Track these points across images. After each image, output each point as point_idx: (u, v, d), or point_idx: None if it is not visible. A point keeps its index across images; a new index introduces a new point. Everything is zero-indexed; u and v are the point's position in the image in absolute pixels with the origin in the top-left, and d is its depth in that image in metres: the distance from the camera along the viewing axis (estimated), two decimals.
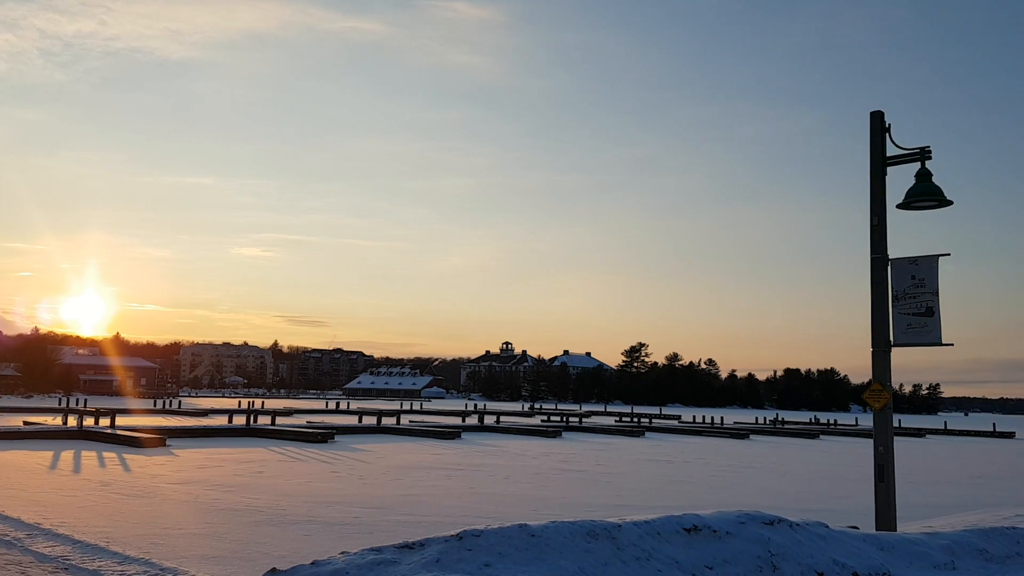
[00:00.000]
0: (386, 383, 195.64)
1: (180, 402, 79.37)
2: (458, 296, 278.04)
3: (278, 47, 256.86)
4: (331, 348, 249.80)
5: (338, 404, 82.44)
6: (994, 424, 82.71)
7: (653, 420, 70.39)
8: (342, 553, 6.64)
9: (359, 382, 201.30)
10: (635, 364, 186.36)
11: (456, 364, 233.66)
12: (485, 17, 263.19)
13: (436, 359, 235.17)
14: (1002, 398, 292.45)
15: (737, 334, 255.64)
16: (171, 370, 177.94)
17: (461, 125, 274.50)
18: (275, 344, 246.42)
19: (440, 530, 7.45)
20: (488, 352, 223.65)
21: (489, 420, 54.10)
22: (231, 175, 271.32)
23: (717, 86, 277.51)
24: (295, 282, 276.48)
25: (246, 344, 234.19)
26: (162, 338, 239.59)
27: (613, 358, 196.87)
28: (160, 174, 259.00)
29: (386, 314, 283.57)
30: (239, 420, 41.40)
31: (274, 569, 6.45)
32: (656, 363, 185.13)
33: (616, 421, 66.46)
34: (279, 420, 43.71)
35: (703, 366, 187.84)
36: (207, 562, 10.11)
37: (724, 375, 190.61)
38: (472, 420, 55.56)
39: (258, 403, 77.56)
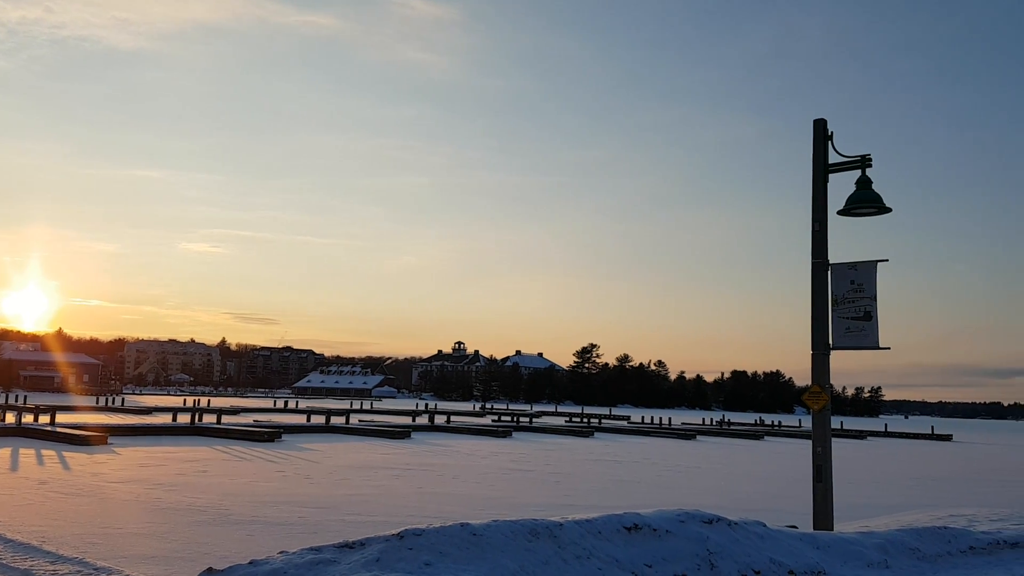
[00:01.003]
0: (336, 382, 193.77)
1: (124, 399, 77.54)
2: (411, 295, 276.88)
3: (230, 40, 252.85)
4: (281, 346, 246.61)
5: (287, 403, 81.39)
6: (932, 427, 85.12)
7: (603, 421, 70.86)
8: (280, 553, 6.58)
9: (309, 381, 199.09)
10: (586, 365, 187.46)
11: (408, 363, 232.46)
12: (441, 15, 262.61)
13: (388, 358, 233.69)
14: (941, 401, 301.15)
15: (687, 336, 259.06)
16: (115, 367, 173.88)
17: (417, 123, 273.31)
18: (223, 341, 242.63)
19: (385, 530, 7.42)
20: (440, 352, 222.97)
21: (440, 420, 53.96)
22: (180, 169, 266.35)
23: (672, 90, 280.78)
24: (245, 279, 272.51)
25: (193, 341, 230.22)
26: (106, 334, 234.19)
27: (565, 359, 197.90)
28: (107, 166, 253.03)
29: (338, 312, 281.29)
30: (184, 418, 40.65)
31: (210, 569, 6.36)
32: (607, 364, 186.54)
33: (566, 421, 66.78)
34: (225, 419, 43.02)
35: (653, 367, 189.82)
36: (146, 562, 9.92)
37: (673, 376, 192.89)
38: (423, 420, 55.37)
39: (204, 401, 76.18)
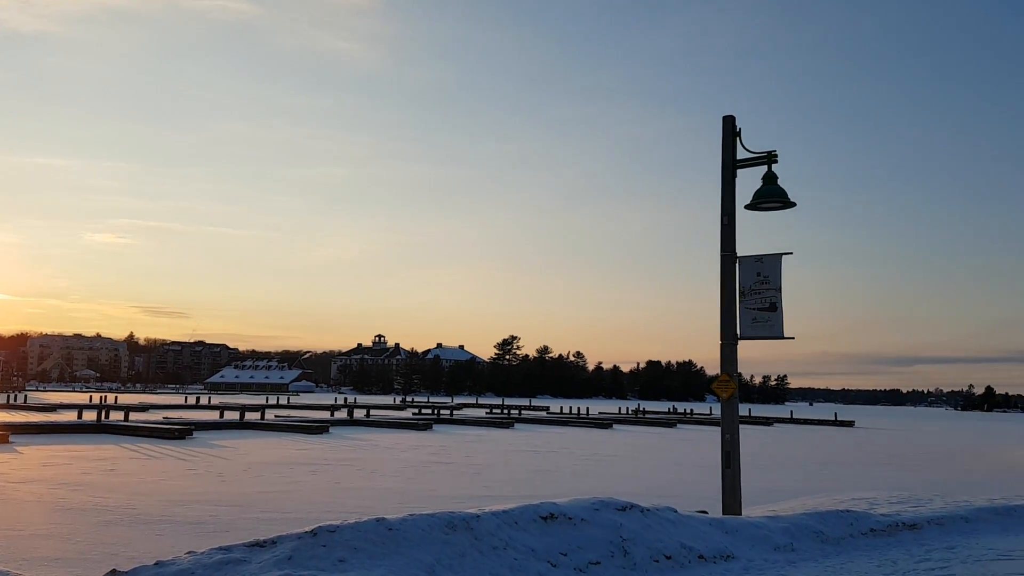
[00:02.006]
0: (251, 377, 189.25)
1: (27, 397, 74.30)
2: (330, 288, 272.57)
3: (139, 24, 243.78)
4: (192, 340, 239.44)
5: (198, 399, 79.25)
6: (836, 413, 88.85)
7: (523, 412, 71.38)
8: (188, 553, 6.41)
9: (222, 376, 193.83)
10: (507, 357, 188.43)
11: (327, 357, 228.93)
12: (359, 3, 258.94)
13: (305, 352, 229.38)
14: (844, 389, 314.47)
15: (604, 327, 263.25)
16: (17, 362, 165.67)
17: (335, 112, 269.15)
18: (131, 336, 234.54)
19: (299, 527, 7.30)
20: (360, 345, 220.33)
21: (359, 414, 53.38)
22: (86, 156, 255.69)
23: (589, 86, 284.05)
24: (154, 271, 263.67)
25: (99, 336, 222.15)
26: (8, 328, 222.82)
27: (486, 351, 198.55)
28: (8, 153, 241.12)
29: (252, 306, 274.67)
30: (90, 416, 39.14)
31: (114, 571, 6.16)
32: (527, 356, 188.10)
33: (487, 413, 66.99)
34: (133, 416, 41.64)
35: (572, 358, 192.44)
36: (48, 564, 9.53)
37: (591, 367, 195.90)
38: (341, 414, 54.67)
39: (111, 398, 73.74)
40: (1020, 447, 47.93)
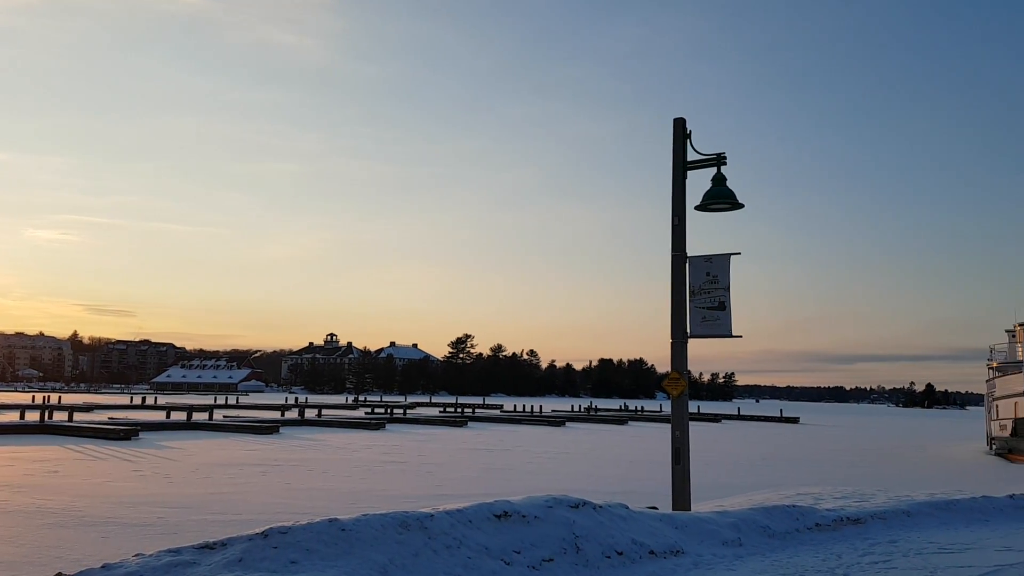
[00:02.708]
0: (199, 377, 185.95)
1: None
2: (281, 286, 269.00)
3: (85, 15, 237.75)
4: (138, 339, 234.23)
5: (144, 399, 77.67)
6: (781, 410, 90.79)
7: (476, 410, 71.40)
8: (136, 555, 6.31)
9: (169, 376, 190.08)
10: (461, 355, 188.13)
11: (277, 356, 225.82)
12: None
13: (255, 351, 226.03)
14: (789, 386, 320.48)
15: (558, 326, 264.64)
16: None
17: (285, 108, 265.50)
18: (75, 335, 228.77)
19: (249, 529, 7.23)
20: (312, 344, 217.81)
21: (310, 414, 52.84)
22: (28, 151, 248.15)
23: (542, 85, 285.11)
24: (98, 268, 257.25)
25: (42, 334, 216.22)
26: None
27: (440, 349, 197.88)
28: None
29: (200, 304, 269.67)
30: (32, 416, 38.20)
31: (60, 574, 6.04)
32: (481, 354, 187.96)
33: (440, 412, 66.88)
34: (78, 416, 40.69)
35: (526, 357, 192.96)
36: None
37: (545, 365, 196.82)
38: (292, 414, 54.13)
39: (55, 398, 71.88)
40: (958, 443, 49.45)
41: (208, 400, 78.82)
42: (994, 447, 41.54)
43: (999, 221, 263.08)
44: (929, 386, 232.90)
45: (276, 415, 53.06)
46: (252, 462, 24.16)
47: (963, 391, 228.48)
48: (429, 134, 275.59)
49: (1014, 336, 45.15)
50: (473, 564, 7.24)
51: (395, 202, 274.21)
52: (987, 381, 46.25)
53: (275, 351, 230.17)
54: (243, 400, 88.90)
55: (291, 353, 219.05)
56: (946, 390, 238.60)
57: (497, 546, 7.75)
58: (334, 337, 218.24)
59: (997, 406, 41.02)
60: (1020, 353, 42.62)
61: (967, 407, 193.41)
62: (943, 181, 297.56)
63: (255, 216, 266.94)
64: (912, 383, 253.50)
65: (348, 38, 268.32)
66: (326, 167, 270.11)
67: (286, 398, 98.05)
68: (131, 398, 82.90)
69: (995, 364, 45.72)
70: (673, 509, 10.90)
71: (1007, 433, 38.49)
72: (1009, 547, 9.59)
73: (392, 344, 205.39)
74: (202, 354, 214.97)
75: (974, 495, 13.20)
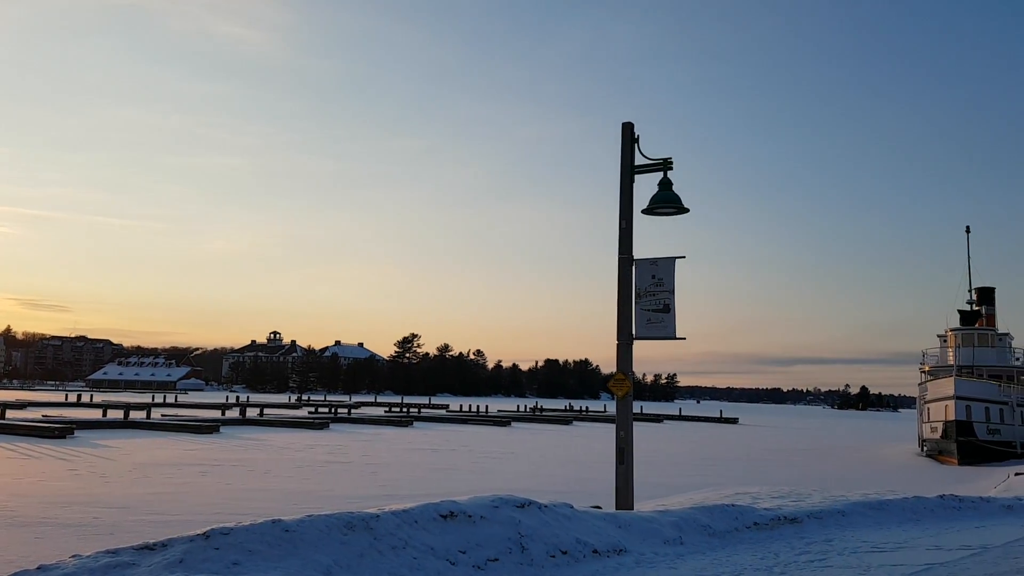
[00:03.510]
0: (137, 374, 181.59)
1: None
2: (223, 282, 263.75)
3: (22, 2, 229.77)
4: (74, 336, 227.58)
5: (80, 397, 75.50)
6: (721, 411, 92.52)
7: (422, 410, 71.14)
8: (73, 557, 6.16)
9: (105, 373, 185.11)
10: (407, 355, 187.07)
11: (218, 354, 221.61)
12: None
13: (195, 349, 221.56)
14: (729, 387, 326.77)
15: (505, 326, 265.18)
16: None
17: (229, 100, 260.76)
18: (8, 330, 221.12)
19: (189, 530, 7.11)
20: (254, 342, 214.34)
21: (252, 413, 52.06)
22: None
23: (493, 85, 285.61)
24: (33, 262, 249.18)
25: None
26: None
27: (386, 349, 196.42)
28: None
29: (138, 300, 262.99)
30: None
31: None
32: (428, 354, 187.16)
33: (386, 412, 66.46)
34: (10, 414, 39.47)
35: (472, 357, 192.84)
36: None
37: (491, 365, 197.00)
38: (233, 413, 53.25)
39: None
40: (891, 444, 50.98)
41: (146, 398, 77.07)
42: (925, 449, 42.96)
43: (934, 229, 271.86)
44: (864, 388, 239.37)
45: (216, 414, 52.23)
46: (191, 462, 23.71)
47: (896, 394, 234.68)
48: (377, 130, 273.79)
49: (945, 341, 46.79)
50: (418, 564, 7.25)
51: (341, 198, 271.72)
52: (919, 384, 47.78)
53: (216, 349, 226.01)
54: (182, 399, 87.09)
55: (233, 351, 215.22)
56: (880, 393, 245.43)
57: (443, 546, 7.76)
58: (277, 335, 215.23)
59: (929, 409, 42.39)
60: (951, 358, 44.18)
61: (900, 409, 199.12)
62: (880, 189, 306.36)
63: (196, 210, 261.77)
64: (847, 385, 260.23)
65: (295, 31, 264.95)
66: (270, 161, 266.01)
67: (227, 397, 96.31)
68: (66, 395, 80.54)
69: (927, 368, 47.31)
70: (617, 508, 11.03)
71: (938, 435, 39.82)
72: (939, 546, 9.92)
73: (337, 343, 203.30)
74: (140, 351, 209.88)
75: (906, 495, 13.64)
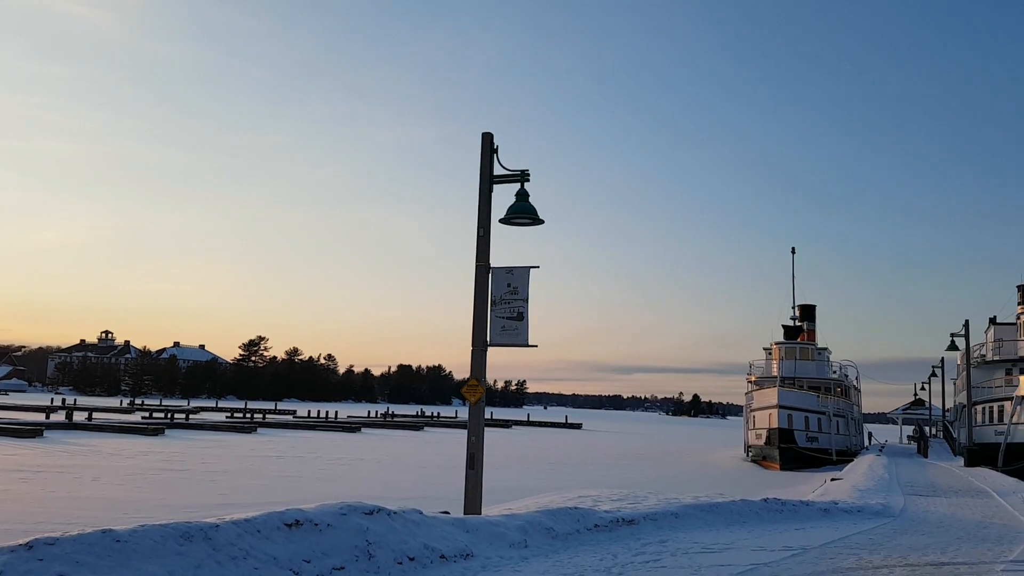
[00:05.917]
0: None
1: None
2: (49, 276, 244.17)
3: None
4: None
5: None
6: (567, 417, 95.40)
7: (268, 416, 69.01)
8: None
9: None
10: (253, 358, 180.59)
11: (43, 353, 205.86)
12: None
13: (18, 347, 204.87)
14: (575, 394, 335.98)
15: (357, 330, 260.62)
16: None
17: (64, 82, 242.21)
18: None
19: (9, 540, 6.63)
20: (83, 341, 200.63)
21: (80, 417, 48.85)
22: None
23: (351, 85, 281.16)
24: None
25: None
26: None
27: (230, 351, 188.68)
28: None
29: None
30: None
31: None
32: (276, 357, 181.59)
33: (228, 417, 64.02)
34: None
35: (323, 361, 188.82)
36: None
37: (342, 370, 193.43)
38: (59, 416, 49.90)
39: None
40: (720, 449, 54.05)
41: None
42: (751, 454, 45.89)
43: (764, 248, 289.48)
44: (696, 396, 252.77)
45: (40, 417, 49.03)
46: (10, 468, 22.01)
47: (726, 402, 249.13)
48: (227, 123, 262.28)
49: (770, 354, 50.24)
50: (260, 575, 7.09)
51: (184, 192, 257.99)
52: (746, 394, 50.99)
53: (41, 347, 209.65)
54: (2, 400, 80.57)
55: (59, 350, 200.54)
56: (711, 401, 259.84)
57: (286, 556, 7.62)
58: (109, 334, 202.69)
59: (754, 417, 45.30)
60: (775, 369, 47.44)
61: (728, 417, 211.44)
62: (715, 209, 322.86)
63: (23, 197, 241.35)
64: (681, 393, 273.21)
65: (142, 14, 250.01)
66: (109, 149, 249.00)
67: (52, 399, 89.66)
68: None
69: (754, 378, 50.59)
70: (465, 513, 11.17)
71: (762, 442, 42.61)
72: (763, 547, 10.66)
73: (176, 344, 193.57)
74: None
75: (733, 499, 14.55)
